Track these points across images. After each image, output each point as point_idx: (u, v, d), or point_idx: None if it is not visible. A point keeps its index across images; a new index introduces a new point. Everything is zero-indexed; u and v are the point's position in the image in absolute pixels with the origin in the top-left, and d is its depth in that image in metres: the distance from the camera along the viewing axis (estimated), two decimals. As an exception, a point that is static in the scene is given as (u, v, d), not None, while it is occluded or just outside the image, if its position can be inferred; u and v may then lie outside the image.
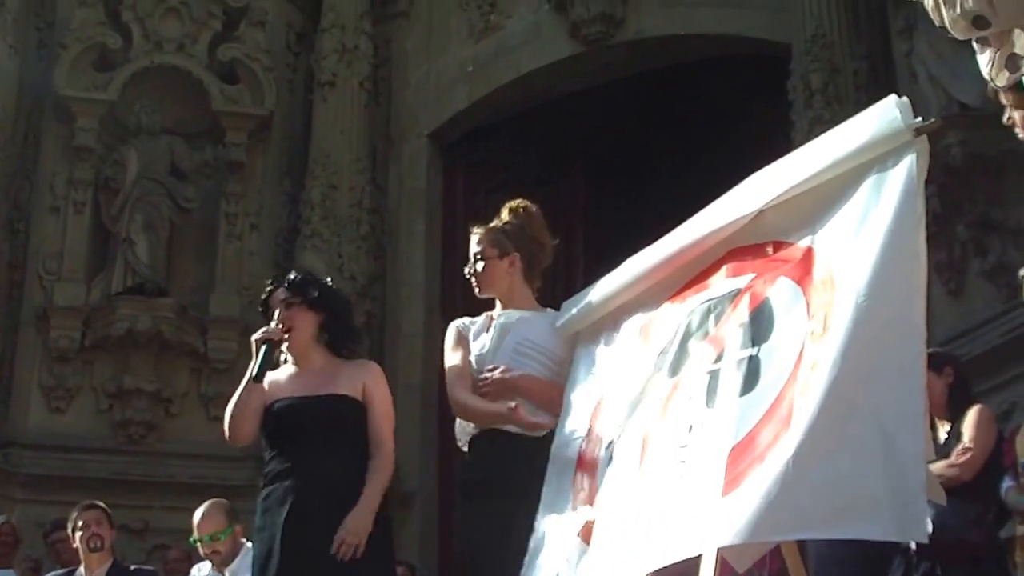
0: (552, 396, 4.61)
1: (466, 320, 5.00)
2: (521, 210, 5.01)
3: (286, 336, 5.00)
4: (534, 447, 4.52)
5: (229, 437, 5.08)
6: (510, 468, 4.58)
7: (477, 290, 5.00)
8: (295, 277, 5.24)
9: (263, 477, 5.00)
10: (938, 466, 5.70)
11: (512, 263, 4.92)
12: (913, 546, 5.71)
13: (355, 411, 4.99)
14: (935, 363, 5.76)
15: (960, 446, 5.91)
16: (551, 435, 4.50)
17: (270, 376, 5.07)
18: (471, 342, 4.91)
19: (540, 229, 5.02)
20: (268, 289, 5.22)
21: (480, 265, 4.93)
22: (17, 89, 12.28)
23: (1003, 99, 3.17)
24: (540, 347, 4.75)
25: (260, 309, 5.22)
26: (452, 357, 4.94)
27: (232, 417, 5.03)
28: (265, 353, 4.96)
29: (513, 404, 4.56)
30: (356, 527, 4.73)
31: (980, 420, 6.02)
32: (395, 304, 12.33)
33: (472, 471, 4.80)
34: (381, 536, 4.89)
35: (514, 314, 4.87)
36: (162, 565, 9.60)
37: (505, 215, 5.01)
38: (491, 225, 5.01)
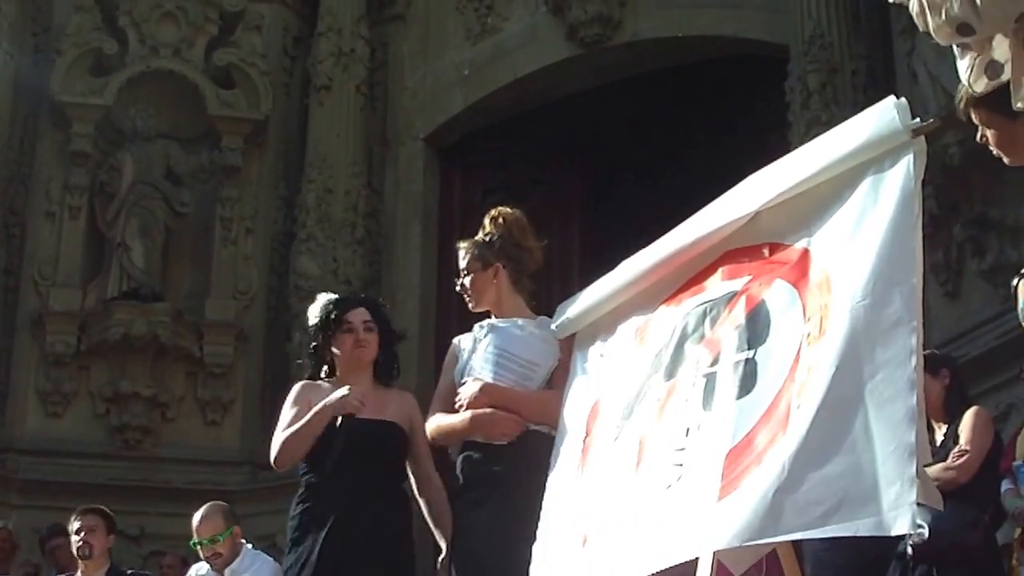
0: (516, 401, 4.71)
1: (463, 336, 5.06)
2: (501, 219, 5.03)
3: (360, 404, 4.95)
4: (495, 454, 4.67)
5: (275, 462, 5.07)
6: (479, 475, 4.70)
7: (471, 305, 5.05)
8: (374, 299, 5.44)
9: (303, 489, 5.01)
10: (935, 469, 5.67)
11: (496, 273, 4.95)
12: (910, 550, 5.70)
13: (403, 441, 5.07)
14: (932, 365, 5.74)
15: (957, 448, 5.89)
16: (521, 441, 4.63)
17: (319, 392, 5.07)
18: (459, 357, 4.98)
19: (523, 234, 5.03)
20: (344, 301, 5.24)
21: (468, 280, 4.99)
22: (13, 94, 12.28)
23: (973, 117, 3.16)
24: (507, 353, 4.81)
25: (322, 317, 5.16)
26: (441, 379, 5.09)
27: (287, 449, 5.00)
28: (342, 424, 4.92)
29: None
30: None
31: (977, 422, 6.00)
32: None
33: (453, 480, 4.90)
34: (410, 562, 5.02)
35: (486, 324, 4.96)
36: (158, 571, 9.59)
37: (487, 225, 5.04)
38: (475, 239, 5.05)
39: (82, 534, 7.14)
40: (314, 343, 5.21)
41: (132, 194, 12.08)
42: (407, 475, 5.12)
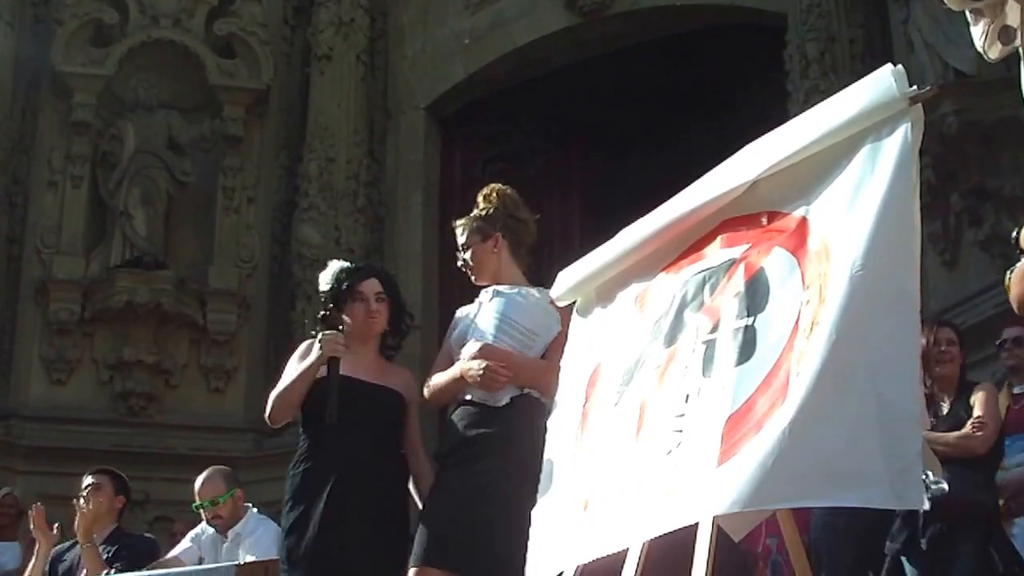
0: (525, 370, 4.80)
1: (466, 307, 5.17)
2: (494, 194, 5.15)
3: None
4: (488, 414, 4.78)
5: (269, 417, 5.11)
6: (472, 435, 4.79)
7: (473, 279, 5.13)
8: (386, 271, 5.45)
9: (303, 448, 5.03)
10: (951, 436, 5.74)
11: (496, 243, 5.06)
12: (927, 505, 5.73)
13: (402, 408, 5.10)
14: (959, 335, 5.84)
15: (975, 419, 5.91)
16: (516, 403, 4.75)
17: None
18: (458, 325, 5.10)
19: (517, 207, 5.16)
20: (357, 271, 5.24)
21: (468, 254, 5.08)
22: (14, 64, 12.31)
23: None
24: (508, 319, 4.90)
25: (334, 285, 5.16)
26: (442, 349, 5.19)
27: (280, 400, 5.03)
28: (331, 369, 4.91)
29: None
30: None
31: (990, 396, 6.05)
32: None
33: (442, 442, 5.00)
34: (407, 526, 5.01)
35: (489, 290, 5.04)
36: (167, 538, 9.63)
37: (481, 203, 5.14)
38: (471, 215, 5.14)
39: (87, 491, 7.21)
40: (324, 311, 5.17)
41: (134, 163, 12.13)
42: (402, 443, 5.14)
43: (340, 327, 5.06)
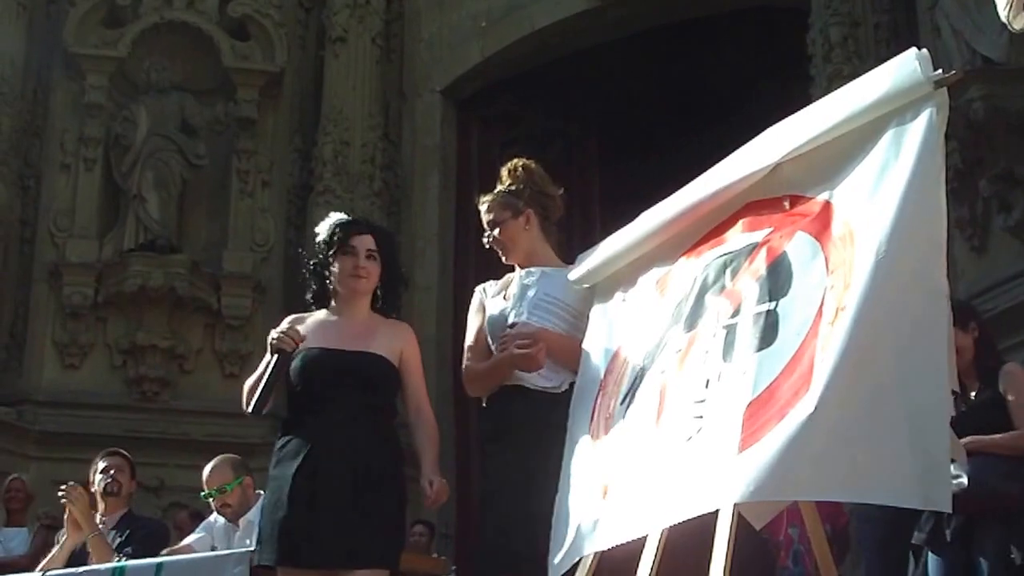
0: (570, 349, 4.58)
1: (488, 284, 4.96)
2: (520, 168, 4.94)
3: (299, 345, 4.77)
4: (549, 401, 4.54)
5: (244, 406, 4.90)
6: (522, 421, 4.58)
7: (503, 258, 4.94)
8: (386, 230, 5.13)
9: (281, 426, 4.85)
10: (1001, 438, 5.62)
11: (528, 220, 4.86)
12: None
13: (388, 374, 4.85)
14: (960, 318, 5.69)
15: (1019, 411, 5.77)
16: (570, 390, 4.50)
17: (305, 322, 4.92)
18: (487, 305, 4.88)
19: (545, 182, 4.96)
20: (349, 224, 5.00)
21: (497, 231, 4.87)
22: (27, 46, 12.28)
23: None
24: (560, 302, 4.71)
25: (327, 236, 4.94)
26: (468, 329, 4.94)
27: (248, 393, 4.84)
28: (277, 363, 4.73)
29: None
30: (440, 484, 4.69)
31: (1020, 381, 5.91)
32: (409, 258, 12.25)
33: (486, 423, 4.79)
34: (397, 499, 4.80)
35: (536, 270, 4.82)
36: (175, 527, 9.60)
37: (507, 176, 4.94)
38: (498, 191, 4.94)
39: (111, 472, 7.17)
40: (314, 261, 4.99)
41: (147, 146, 12.09)
42: (396, 413, 4.92)
43: (328, 278, 4.90)
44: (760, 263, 3.67)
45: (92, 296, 11.85)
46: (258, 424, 11.08)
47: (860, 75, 3.78)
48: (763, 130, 3.93)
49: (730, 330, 3.64)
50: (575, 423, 4.31)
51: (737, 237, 3.88)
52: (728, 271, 3.82)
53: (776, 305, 3.52)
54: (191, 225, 12.37)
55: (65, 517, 7.05)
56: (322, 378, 4.74)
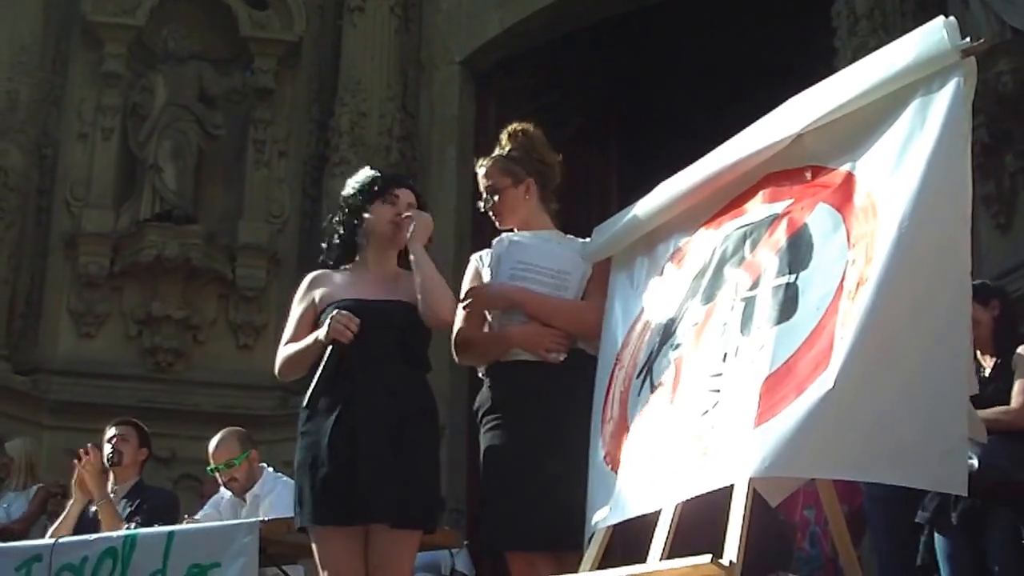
0: (549, 308, 4.52)
1: (484, 251, 4.88)
2: (521, 133, 4.85)
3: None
4: (544, 372, 4.48)
5: (279, 374, 4.88)
6: (524, 393, 4.49)
7: (497, 223, 4.85)
8: (421, 192, 5.07)
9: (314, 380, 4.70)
10: (994, 411, 5.55)
11: (528, 189, 4.78)
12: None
13: (414, 318, 4.75)
14: (982, 295, 5.63)
15: (1019, 388, 5.72)
16: (570, 360, 4.45)
17: (330, 283, 4.85)
18: (483, 274, 4.81)
19: (544, 149, 4.86)
20: (394, 176, 5.06)
21: (496, 197, 4.79)
22: (44, 15, 12.19)
23: None
24: (535, 266, 4.61)
25: (365, 183, 4.90)
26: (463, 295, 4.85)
27: (288, 363, 4.80)
28: (331, 355, 4.61)
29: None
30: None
31: None
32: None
33: (487, 396, 4.65)
34: (432, 446, 4.78)
35: (505, 239, 4.76)
36: (195, 497, 9.58)
37: (505, 141, 4.85)
38: (495, 154, 4.85)
39: (113, 442, 7.16)
40: (345, 210, 4.90)
41: (164, 116, 12.01)
42: (427, 362, 4.85)
43: (357, 224, 4.83)
44: (780, 235, 3.62)
45: (108, 266, 11.80)
46: (268, 396, 11.10)
47: (886, 48, 3.71)
48: (786, 100, 3.86)
49: (749, 303, 3.59)
50: (596, 397, 4.25)
51: (757, 208, 3.83)
52: (748, 242, 3.77)
53: (796, 278, 3.47)
54: (207, 196, 12.29)
55: (73, 480, 7.04)
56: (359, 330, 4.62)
